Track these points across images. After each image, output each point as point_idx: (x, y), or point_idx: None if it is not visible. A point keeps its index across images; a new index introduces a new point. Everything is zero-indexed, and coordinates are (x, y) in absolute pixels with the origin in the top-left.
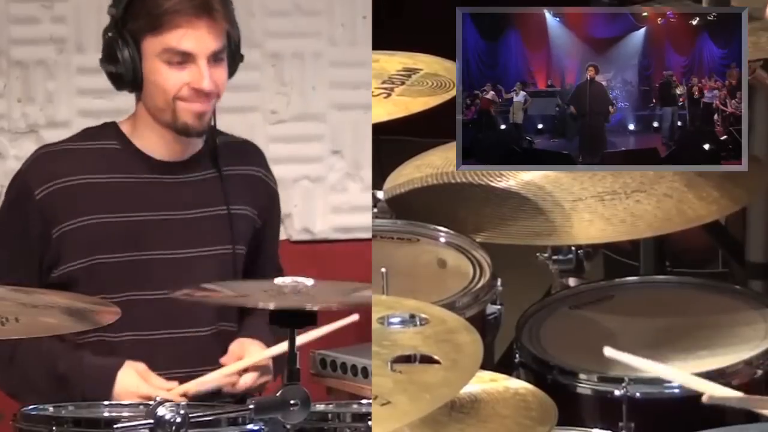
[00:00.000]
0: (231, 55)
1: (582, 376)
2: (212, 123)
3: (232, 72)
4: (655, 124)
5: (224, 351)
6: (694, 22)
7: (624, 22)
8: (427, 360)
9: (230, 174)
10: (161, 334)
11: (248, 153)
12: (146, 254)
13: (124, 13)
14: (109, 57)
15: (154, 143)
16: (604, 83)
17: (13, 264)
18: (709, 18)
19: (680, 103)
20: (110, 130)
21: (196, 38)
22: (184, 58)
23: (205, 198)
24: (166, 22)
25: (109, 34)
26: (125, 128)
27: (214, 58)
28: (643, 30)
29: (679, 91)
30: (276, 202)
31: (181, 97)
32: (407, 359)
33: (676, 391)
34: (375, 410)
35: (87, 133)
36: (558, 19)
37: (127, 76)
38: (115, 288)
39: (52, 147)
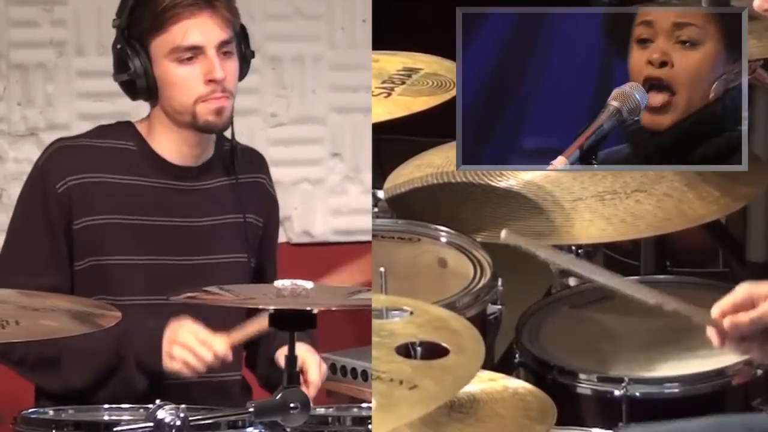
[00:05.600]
0: (241, 52)
1: (582, 376)
2: (231, 123)
3: (244, 71)
4: None
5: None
6: None
7: None
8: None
9: (242, 182)
10: None
11: (254, 160)
12: (157, 259)
13: (128, 22)
14: (120, 68)
15: (171, 146)
16: None
17: (47, 261)
18: None
19: None
20: (126, 129)
21: (201, 29)
22: (194, 53)
23: (218, 205)
24: (169, 18)
25: (118, 46)
26: (141, 129)
27: (223, 51)
28: None
29: None
30: (276, 210)
31: (201, 96)
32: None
33: (676, 390)
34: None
35: (102, 131)
36: None
37: (140, 83)
38: (121, 291)
39: (68, 141)
